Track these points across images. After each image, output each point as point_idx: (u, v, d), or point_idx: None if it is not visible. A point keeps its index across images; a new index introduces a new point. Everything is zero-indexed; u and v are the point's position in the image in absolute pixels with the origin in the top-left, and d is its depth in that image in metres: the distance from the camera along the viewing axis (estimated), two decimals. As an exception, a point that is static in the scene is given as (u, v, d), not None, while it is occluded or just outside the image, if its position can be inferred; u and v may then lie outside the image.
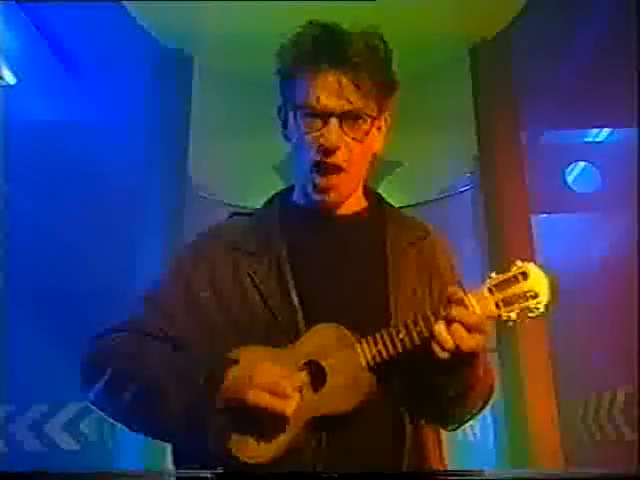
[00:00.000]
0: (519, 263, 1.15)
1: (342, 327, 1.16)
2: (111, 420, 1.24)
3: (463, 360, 1.12)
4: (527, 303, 1.13)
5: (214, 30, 4.56)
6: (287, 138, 1.33)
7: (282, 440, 1.11)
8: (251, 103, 4.81)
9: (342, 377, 1.13)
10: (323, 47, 1.23)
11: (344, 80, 1.20)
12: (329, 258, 1.28)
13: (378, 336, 1.14)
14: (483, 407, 1.32)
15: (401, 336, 1.13)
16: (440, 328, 1.10)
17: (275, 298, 1.22)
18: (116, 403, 1.18)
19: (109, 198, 4.57)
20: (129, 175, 4.55)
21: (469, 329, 1.09)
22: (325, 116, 1.21)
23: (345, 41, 1.23)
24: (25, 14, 4.15)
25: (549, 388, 4.07)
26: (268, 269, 1.25)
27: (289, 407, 1.09)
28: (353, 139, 1.23)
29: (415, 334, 1.13)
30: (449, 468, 1.29)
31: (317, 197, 1.28)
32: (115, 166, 4.60)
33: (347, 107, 1.21)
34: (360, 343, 1.15)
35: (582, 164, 5.52)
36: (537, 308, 1.13)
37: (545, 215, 5.24)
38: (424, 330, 1.12)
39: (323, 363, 1.14)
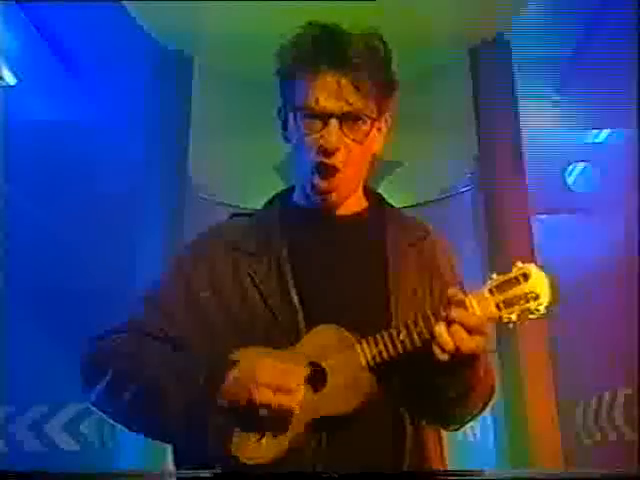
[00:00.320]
0: (520, 264, 1.15)
1: (342, 328, 1.16)
2: (111, 421, 1.24)
3: (463, 361, 1.12)
4: (528, 305, 1.12)
5: (214, 30, 4.56)
6: (287, 139, 1.32)
7: (283, 441, 1.11)
8: (251, 103, 4.81)
9: (342, 378, 1.13)
10: (323, 48, 1.22)
11: (343, 81, 1.20)
12: (329, 258, 1.28)
13: (378, 337, 1.14)
14: (484, 408, 1.31)
15: (401, 337, 1.13)
16: (440, 329, 1.10)
17: (275, 298, 1.22)
18: (116, 404, 1.18)
19: (109, 198, 4.57)
20: (129, 175, 4.55)
21: (469, 330, 1.09)
22: (325, 117, 1.20)
23: (345, 42, 1.23)
24: (25, 14, 4.15)
25: (549, 388, 4.07)
26: (268, 269, 1.25)
27: (295, 401, 1.09)
28: (353, 140, 1.22)
29: (415, 335, 1.13)
30: (449, 468, 1.29)
31: (317, 198, 1.28)
32: (115, 166, 4.60)
33: (347, 108, 1.20)
34: (360, 344, 1.15)
35: (582, 165, 5.52)
36: (538, 310, 1.13)
37: (545, 215, 5.24)
38: (424, 331, 1.12)
39: (323, 364, 1.14)
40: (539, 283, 1.13)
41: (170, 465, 1.20)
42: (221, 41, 4.62)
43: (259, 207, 1.42)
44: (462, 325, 1.09)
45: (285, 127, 1.32)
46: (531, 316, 1.13)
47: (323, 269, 1.26)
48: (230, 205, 5.99)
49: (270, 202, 1.40)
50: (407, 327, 1.14)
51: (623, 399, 4.69)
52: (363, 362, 1.14)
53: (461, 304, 1.10)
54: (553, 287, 1.14)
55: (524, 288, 1.12)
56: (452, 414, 1.27)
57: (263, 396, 1.08)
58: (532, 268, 1.14)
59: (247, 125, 5.03)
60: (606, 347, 4.61)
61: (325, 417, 1.12)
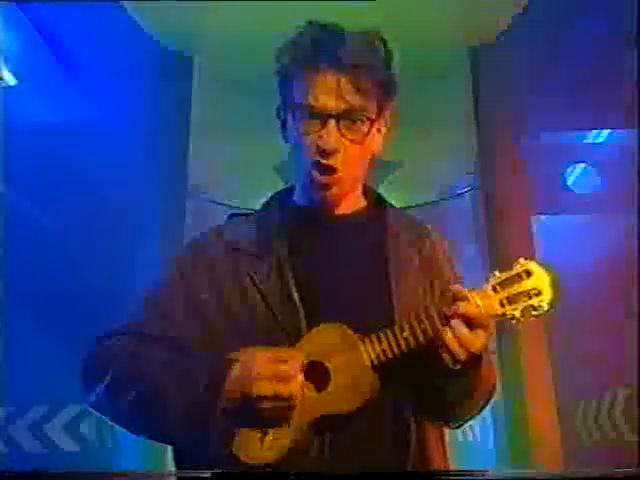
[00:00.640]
0: (522, 261, 1.15)
1: (345, 326, 1.15)
2: (112, 423, 1.23)
3: (469, 362, 1.12)
4: (531, 301, 1.12)
5: (214, 31, 4.57)
6: (286, 139, 1.32)
7: (285, 440, 1.10)
8: (251, 103, 4.81)
9: (346, 377, 1.12)
10: (322, 47, 1.21)
11: (343, 80, 1.19)
12: (329, 257, 1.28)
13: (382, 335, 1.14)
14: (484, 406, 1.32)
15: (405, 335, 1.13)
16: (450, 339, 1.09)
17: (276, 298, 1.21)
18: (117, 405, 1.18)
19: (109, 198, 4.57)
20: (129, 176, 4.55)
21: (474, 326, 1.09)
22: (324, 117, 1.20)
23: (345, 41, 1.22)
24: (25, 15, 4.15)
25: (549, 388, 4.07)
26: (268, 269, 1.25)
27: (294, 388, 1.08)
28: (352, 141, 1.22)
29: (419, 332, 1.13)
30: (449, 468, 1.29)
31: (315, 195, 1.28)
32: (115, 167, 4.60)
33: (345, 107, 1.19)
34: (363, 342, 1.14)
35: (582, 165, 5.53)
36: (541, 306, 1.13)
37: (545, 216, 5.24)
38: (428, 328, 1.12)
39: (326, 363, 1.14)
40: (541, 279, 1.13)
41: (170, 465, 1.20)
42: (221, 41, 4.63)
43: (259, 207, 1.42)
44: (467, 321, 1.09)
45: (284, 126, 1.31)
46: (534, 313, 1.13)
47: (323, 268, 1.26)
48: (230, 205, 6.01)
49: (269, 202, 1.40)
50: (410, 325, 1.13)
51: (623, 399, 4.69)
52: (367, 361, 1.13)
53: (465, 301, 1.10)
54: (555, 284, 1.14)
55: (527, 285, 1.13)
56: (454, 413, 1.27)
57: (262, 388, 1.07)
58: (534, 265, 1.15)
59: (247, 125, 5.03)
60: (606, 347, 4.61)
61: (328, 416, 1.12)
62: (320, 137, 1.20)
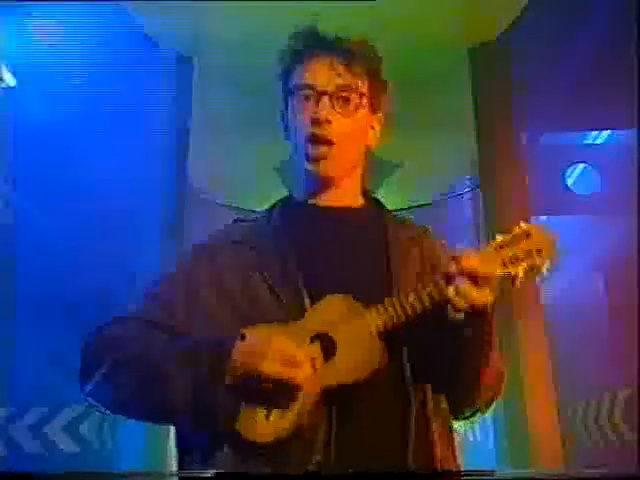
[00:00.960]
0: (522, 224, 1.17)
1: (350, 297, 1.15)
2: (109, 412, 1.23)
3: (474, 320, 1.13)
4: (533, 260, 1.14)
5: (214, 32, 4.57)
6: (288, 137, 1.37)
7: (291, 416, 1.09)
8: (251, 104, 4.82)
9: (353, 347, 1.12)
10: (319, 39, 1.33)
11: (336, 61, 1.30)
12: (331, 249, 1.29)
13: (387, 303, 1.14)
14: (492, 397, 1.31)
15: (411, 300, 1.14)
16: (451, 291, 1.11)
17: (278, 282, 1.23)
18: (117, 387, 1.18)
19: (109, 199, 4.57)
20: (129, 176, 4.56)
21: (478, 282, 1.10)
22: (318, 95, 1.29)
23: (340, 36, 1.33)
24: (25, 15, 4.15)
25: (549, 388, 4.07)
26: (272, 260, 1.26)
27: (301, 375, 1.08)
28: (343, 115, 1.30)
29: (425, 296, 1.13)
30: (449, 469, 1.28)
31: (310, 166, 1.31)
32: (115, 167, 4.60)
33: (338, 84, 1.29)
34: (369, 311, 1.15)
35: (582, 166, 5.53)
36: (542, 265, 1.15)
37: (545, 216, 5.24)
38: (433, 291, 1.13)
39: (333, 334, 1.13)
40: (541, 239, 1.16)
41: (170, 465, 1.19)
42: (221, 41, 4.63)
43: (259, 208, 1.43)
44: (470, 275, 1.10)
45: (287, 129, 1.36)
46: (537, 273, 1.15)
47: (325, 256, 1.28)
48: (230, 206, 6.01)
49: (271, 207, 1.42)
50: (416, 290, 1.14)
51: (623, 399, 4.69)
52: (373, 330, 1.13)
53: (467, 257, 1.12)
54: (554, 244, 1.16)
55: (528, 244, 1.15)
56: (463, 389, 1.25)
57: (270, 368, 1.07)
58: (533, 226, 1.17)
59: (247, 125, 5.04)
60: (606, 347, 4.61)
61: (335, 388, 1.11)
62: (314, 112, 1.28)
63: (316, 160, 1.30)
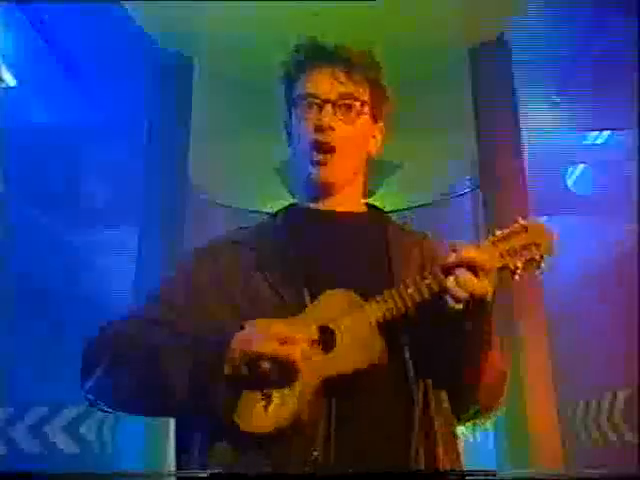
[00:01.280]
0: (521, 220, 1.19)
1: (350, 291, 1.17)
2: (110, 409, 1.24)
3: (473, 311, 1.13)
4: (531, 253, 1.16)
5: (214, 32, 4.57)
6: (291, 143, 1.41)
7: (290, 406, 1.09)
8: (251, 104, 4.82)
9: (352, 337, 1.13)
10: (320, 50, 1.36)
11: (337, 70, 1.33)
12: (333, 250, 1.30)
13: (387, 294, 1.15)
14: (495, 398, 1.31)
15: (410, 291, 1.15)
16: (451, 282, 1.12)
17: (279, 280, 1.23)
18: (117, 383, 1.18)
19: (109, 199, 4.57)
20: (129, 176, 4.56)
21: (477, 272, 1.11)
22: (320, 103, 1.32)
23: (342, 46, 1.36)
24: (25, 16, 4.15)
25: (549, 388, 4.07)
26: (273, 260, 1.27)
27: (298, 351, 1.08)
28: (346, 122, 1.33)
29: (424, 287, 1.14)
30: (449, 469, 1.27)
31: (313, 171, 1.33)
32: (115, 167, 4.61)
33: (340, 90, 1.32)
34: (369, 304, 1.15)
35: (582, 166, 5.53)
36: (541, 258, 1.16)
37: (545, 217, 5.23)
38: (433, 282, 1.14)
39: (332, 326, 1.14)
40: (539, 233, 1.18)
41: (170, 465, 1.20)
42: (221, 42, 4.63)
43: (259, 208, 1.44)
44: (469, 265, 1.11)
45: (290, 136, 1.40)
46: (536, 267, 1.16)
47: (327, 260, 1.29)
48: (230, 206, 6.01)
49: (274, 214, 1.43)
50: (415, 281, 1.15)
51: (623, 399, 4.69)
52: (373, 321, 1.14)
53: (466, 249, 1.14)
54: (552, 238, 1.18)
55: (526, 238, 1.17)
56: (463, 387, 1.24)
57: (267, 347, 1.08)
58: (531, 221, 1.19)
59: (247, 126, 5.04)
60: (606, 347, 4.61)
61: (335, 379, 1.11)
62: (318, 119, 1.31)
63: (320, 166, 1.32)
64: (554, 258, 1.17)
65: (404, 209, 5.63)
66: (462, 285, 1.11)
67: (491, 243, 1.17)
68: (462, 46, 4.81)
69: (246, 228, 1.43)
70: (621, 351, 4.34)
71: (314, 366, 1.11)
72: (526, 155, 4.73)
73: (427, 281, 1.14)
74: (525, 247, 1.16)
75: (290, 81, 1.38)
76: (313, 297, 1.19)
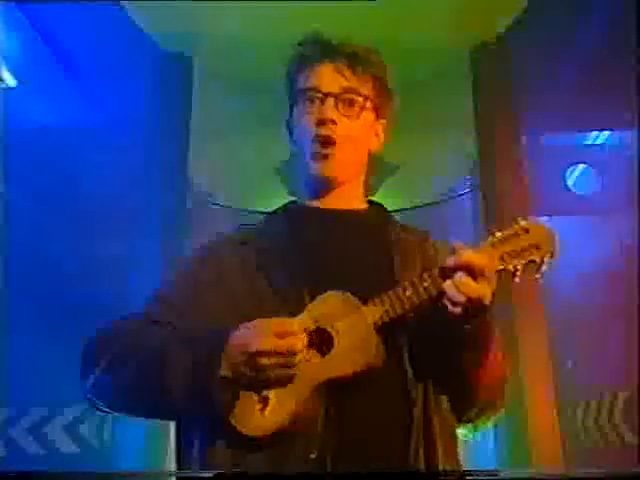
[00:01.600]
0: (522, 221, 1.18)
1: (348, 293, 1.16)
2: (109, 411, 1.23)
3: (472, 312, 1.12)
4: (531, 256, 1.15)
5: (214, 32, 4.56)
6: (294, 143, 1.41)
7: (288, 408, 1.09)
8: (251, 104, 4.82)
9: (349, 339, 1.13)
10: (323, 45, 1.35)
11: (340, 64, 1.33)
12: (333, 249, 1.30)
13: (384, 296, 1.15)
14: (495, 400, 1.30)
15: (408, 293, 1.14)
16: (450, 286, 1.11)
17: (280, 282, 1.23)
18: (116, 383, 1.18)
19: (109, 200, 4.57)
20: (129, 177, 4.55)
21: (476, 277, 1.10)
22: (323, 97, 1.31)
23: (346, 42, 1.35)
24: (25, 16, 4.15)
25: (549, 388, 4.07)
26: (273, 259, 1.27)
27: (299, 344, 1.08)
28: (348, 118, 1.32)
29: (422, 290, 1.14)
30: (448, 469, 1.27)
31: (315, 166, 1.33)
32: (115, 168, 4.60)
33: (342, 86, 1.32)
34: (367, 305, 1.15)
35: (582, 166, 5.52)
36: (542, 260, 1.15)
37: (545, 217, 5.22)
38: (430, 285, 1.12)
39: (329, 328, 1.14)
40: (540, 235, 1.17)
41: (170, 465, 1.20)
42: (221, 42, 4.63)
43: (259, 208, 1.44)
44: (468, 269, 1.10)
45: (292, 133, 1.40)
46: (536, 269, 1.15)
47: (328, 259, 1.29)
48: (230, 206, 6.01)
49: (274, 211, 1.43)
50: (413, 284, 1.15)
51: (623, 400, 4.69)
52: (370, 322, 1.13)
53: (465, 252, 1.12)
54: (553, 240, 1.17)
55: (526, 240, 1.16)
56: (462, 388, 1.24)
57: (264, 343, 1.08)
58: (532, 222, 1.18)
59: (247, 126, 5.04)
60: (606, 348, 4.60)
61: (332, 381, 1.11)
62: (319, 112, 1.31)
63: (321, 159, 1.31)
64: (554, 261, 1.16)
65: (404, 209, 5.63)
66: (460, 289, 1.10)
67: (491, 245, 1.16)
68: (462, 46, 4.81)
69: (246, 227, 1.43)
70: (621, 351, 4.33)
71: (312, 368, 1.11)
72: (526, 155, 4.73)
73: (425, 284, 1.14)
74: (526, 249, 1.15)
75: (292, 77, 1.38)
76: (313, 298, 1.19)
